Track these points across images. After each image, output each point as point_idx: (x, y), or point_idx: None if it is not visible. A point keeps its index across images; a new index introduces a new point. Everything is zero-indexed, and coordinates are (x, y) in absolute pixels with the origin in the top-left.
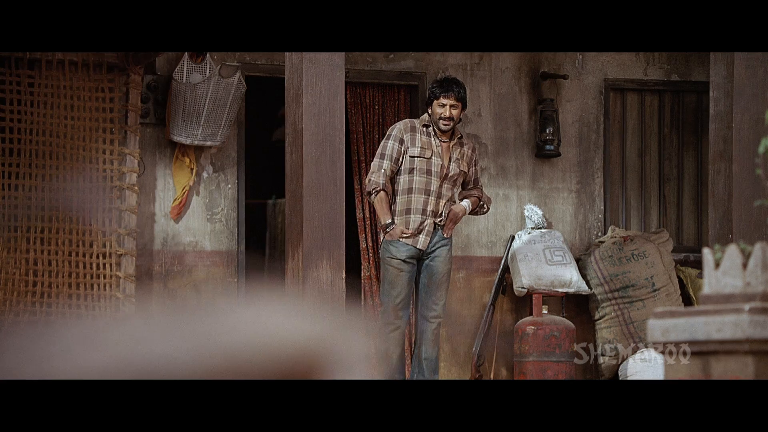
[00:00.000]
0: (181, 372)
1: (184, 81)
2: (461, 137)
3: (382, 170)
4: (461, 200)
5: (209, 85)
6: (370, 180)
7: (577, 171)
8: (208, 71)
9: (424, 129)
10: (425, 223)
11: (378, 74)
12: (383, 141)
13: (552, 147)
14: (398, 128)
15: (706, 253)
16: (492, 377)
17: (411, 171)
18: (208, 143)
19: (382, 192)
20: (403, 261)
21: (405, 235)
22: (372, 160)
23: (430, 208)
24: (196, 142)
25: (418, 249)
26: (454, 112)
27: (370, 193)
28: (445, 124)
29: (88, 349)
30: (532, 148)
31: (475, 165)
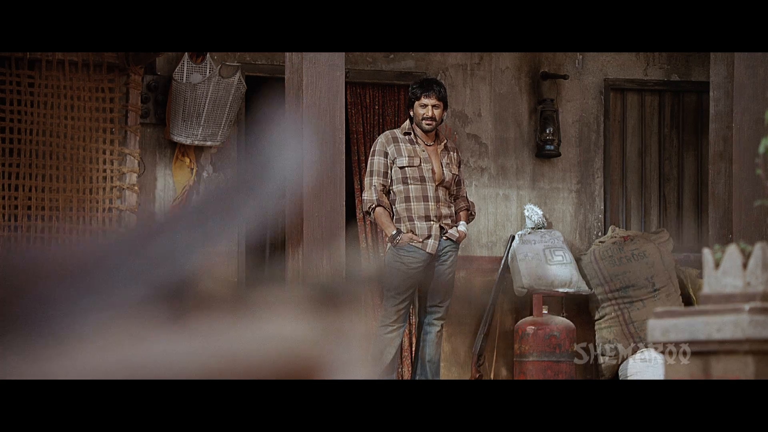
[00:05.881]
0: (180, 372)
1: (184, 81)
2: (446, 143)
3: (373, 187)
4: (457, 221)
5: (209, 85)
6: (364, 200)
7: (577, 171)
8: (208, 71)
9: (406, 137)
10: (432, 228)
11: (378, 74)
12: (370, 158)
13: (552, 147)
14: (380, 142)
15: (706, 253)
16: (492, 377)
17: (405, 180)
18: (208, 143)
19: (378, 207)
20: (413, 268)
21: (415, 241)
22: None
23: (432, 214)
24: (196, 142)
25: (428, 253)
26: (436, 111)
27: (367, 212)
28: (428, 124)
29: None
30: (532, 148)
31: (460, 166)
